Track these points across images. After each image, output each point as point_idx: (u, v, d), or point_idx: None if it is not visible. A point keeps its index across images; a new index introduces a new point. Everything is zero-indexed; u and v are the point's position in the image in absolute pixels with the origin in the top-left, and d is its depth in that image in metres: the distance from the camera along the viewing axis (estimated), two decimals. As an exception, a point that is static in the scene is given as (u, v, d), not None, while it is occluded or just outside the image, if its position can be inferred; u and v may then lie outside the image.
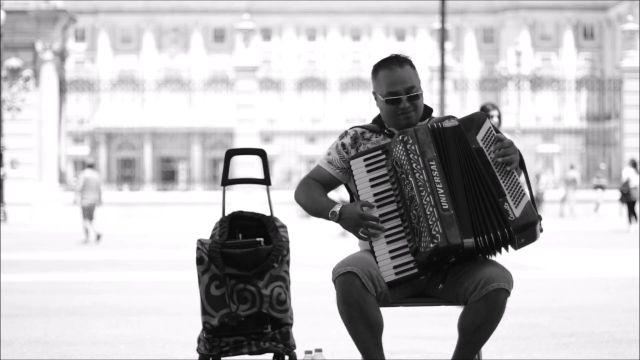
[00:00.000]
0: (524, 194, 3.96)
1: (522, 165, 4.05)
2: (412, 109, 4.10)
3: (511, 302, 4.10)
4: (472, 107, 71.35)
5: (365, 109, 76.26)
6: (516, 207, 3.93)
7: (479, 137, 4.01)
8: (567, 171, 38.60)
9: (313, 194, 4.17)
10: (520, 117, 56.71)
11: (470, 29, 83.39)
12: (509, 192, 3.95)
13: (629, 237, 23.16)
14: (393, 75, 4.10)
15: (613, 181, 39.72)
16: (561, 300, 9.97)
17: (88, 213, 22.13)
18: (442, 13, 30.67)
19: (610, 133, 48.79)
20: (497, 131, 4.07)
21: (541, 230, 3.99)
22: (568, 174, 37.81)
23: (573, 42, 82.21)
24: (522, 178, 4.06)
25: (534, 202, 4.02)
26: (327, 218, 4.08)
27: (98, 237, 21.67)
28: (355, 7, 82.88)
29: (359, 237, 4.04)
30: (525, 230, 3.94)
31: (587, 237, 23.39)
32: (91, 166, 22.93)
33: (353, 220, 4.00)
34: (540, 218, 3.97)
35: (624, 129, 39.72)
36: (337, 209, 4.05)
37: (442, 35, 31.06)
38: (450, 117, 4.15)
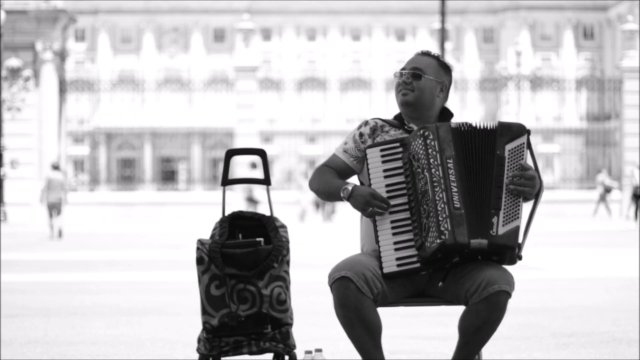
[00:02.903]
0: (518, 218, 3.96)
1: (536, 195, 4.04)
2: (409, 88, 4.15)
3: (511, 302, 4.10)
4: (472, 107, 71.37)
5: (365, 109, 76.31)
6: (503, 226, 3.94)
7: (509, 147, 3.99)
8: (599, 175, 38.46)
9: (325, 178, 4.18)
10: (520, 117, 56.73)
11: (470, 29, 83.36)
12: (504, 210, 3.95)
13: (634, 235, 23.16)
14: (411, 59, 4.23)
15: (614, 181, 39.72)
16: (561, 300, 9.97)
17: (52, 210, 23.35)
18: (442, 13, 30.66)
19: (610, 133, 48.78)
20: (532, 155, 4.06)
21: (519, 258, 4.02)
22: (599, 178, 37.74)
23: (573, 42, 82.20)
24: (527, 207, 4.04)
25: (527, 232, 4.05)
26: (339, 198, 4.09)
27: (60, 233, 23.15)
28: (355, 7, 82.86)
29: (367, 216, 4.05)
30: (499, 250, 3.96)
31: (588, 236, 23.39)
32: (56, 168, 24.17)
33: (363, 197, 4.01)
34: (519, 247, 3.99)
35: (624, 129, 39.72)
36: (349, 186, 4.07)
37: (442, 35, 31.06)
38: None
